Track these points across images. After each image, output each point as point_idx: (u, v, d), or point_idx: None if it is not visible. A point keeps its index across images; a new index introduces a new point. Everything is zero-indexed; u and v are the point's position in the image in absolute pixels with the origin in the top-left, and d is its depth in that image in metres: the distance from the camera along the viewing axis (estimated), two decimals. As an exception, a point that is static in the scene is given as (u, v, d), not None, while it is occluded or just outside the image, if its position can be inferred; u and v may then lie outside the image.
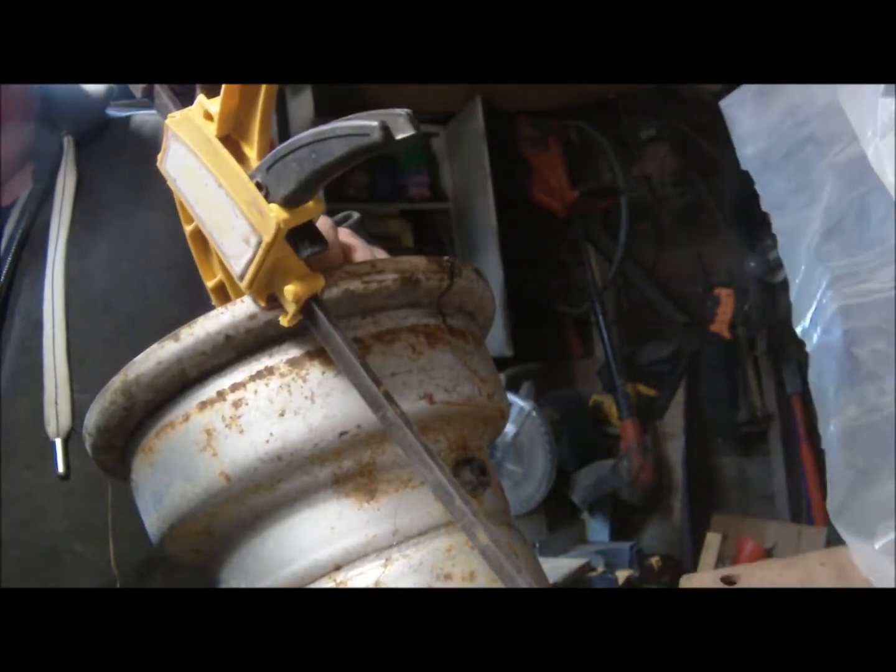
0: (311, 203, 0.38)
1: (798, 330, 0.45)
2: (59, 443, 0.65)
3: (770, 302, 2.42)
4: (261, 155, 0.40)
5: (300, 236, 0.38)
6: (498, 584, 0.39)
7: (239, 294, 0.41)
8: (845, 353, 0.42)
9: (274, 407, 0.40)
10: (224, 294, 0.44)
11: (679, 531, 2.50)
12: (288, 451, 0.39)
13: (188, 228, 0.44)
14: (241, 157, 0.40)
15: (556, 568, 2.02)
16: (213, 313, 0.40)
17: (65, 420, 0.65)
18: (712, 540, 2.35)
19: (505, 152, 2.74)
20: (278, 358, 0.40)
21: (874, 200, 0.40)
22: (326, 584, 0.40)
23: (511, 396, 2.34)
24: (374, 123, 0.33)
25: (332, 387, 0.40)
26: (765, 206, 0.46)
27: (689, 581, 0.49)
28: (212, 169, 0.40)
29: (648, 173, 2.75)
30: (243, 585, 0.42)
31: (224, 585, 0.44)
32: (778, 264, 2.27)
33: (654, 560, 2.30)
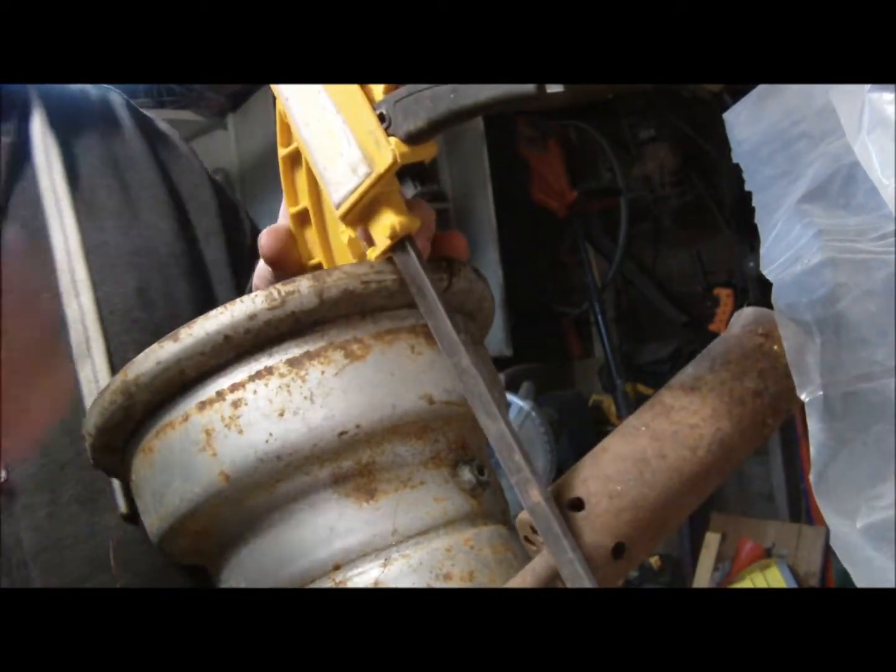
0: (428, 143, 0.38)
1: (767, 271, 0.44)
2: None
3: (769, 301, 2.42)
4: (387, 87, 0.40)
5: (408, 175, 0.39)
6: (497, 584, 0.40)
7: (320, 222, 0.41)
8: (833, 310, 0.40)
9: (273, 407, 0.40)
10: (305, 221, 0.44)
11: (678, 530, 2.50)
12: (287, 451, 0.40)
13: (283, 152, 0.45)
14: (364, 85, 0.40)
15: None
16: (212, 313, 0.40)
17: None
18: (711, 539, 2.35)
19: (505, 152, 2.74)
20: (277, 358, 0.40)
21: (862, 171, 0.39)
22: (326, 583, 0.40)
23: (510, 396, 2.34)
24: None
25: (332, 387, 0.40)
26: (748, 186, 0.45)
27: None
28: (332, 92, 0.40)
29: (648, 173, 2.75)
30: (243, 585, 0.42)
31: (224, 585, 0.44)
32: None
33: (654, 559, 2.29)
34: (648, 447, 0.40)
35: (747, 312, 0.47)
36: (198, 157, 0.75)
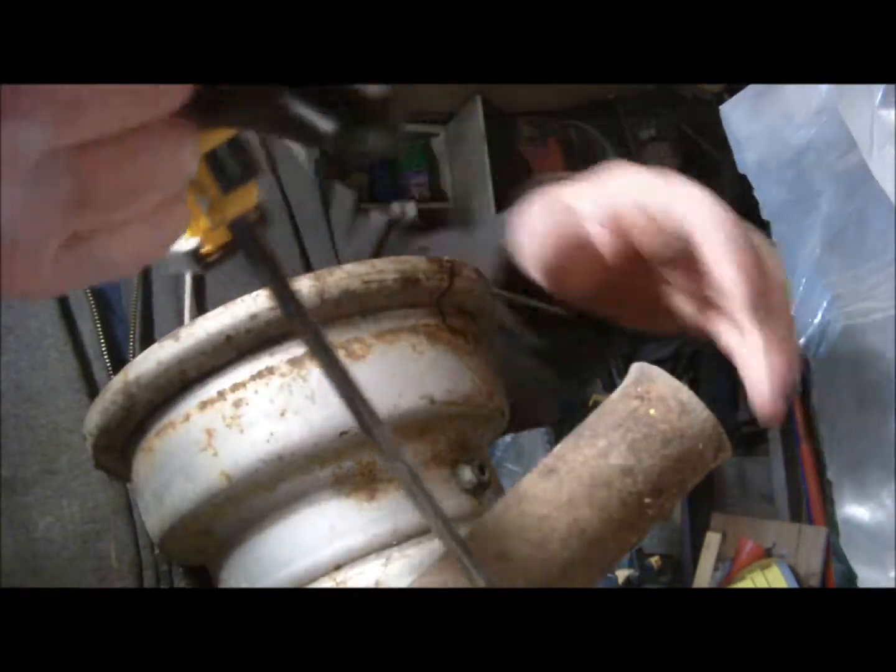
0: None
1: (802, 344, 0.45)
2: None
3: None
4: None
5: (224, 159, 0.30)
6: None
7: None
8: (852, 377, 0.41)
9: (275, 407, 0.40)
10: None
11: (679, 530, 2.50)
12: (289, 451, 0.40)
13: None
14: None
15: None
16: (213, 313, 0.40)
17: None
18: (712, 539, 2.35)
19: (505, 152, 2.74)
20: (279, 357, 0.40)
21: (873, 210, 0.40)
22: (326, 583, 0.40)
23: (511, 396, 2.34)
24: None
25: (333, 387, 0.40)
26: (765, 215, 0.46)
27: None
28: None
29: (648, 173, 2.75)
30: (243, 585, 0.43)
31: (224, 585, 0.44)
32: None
33: (654, 559, 2.29)
34: (489, 546, 0.35)
35: (632, 370, 0.40)
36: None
